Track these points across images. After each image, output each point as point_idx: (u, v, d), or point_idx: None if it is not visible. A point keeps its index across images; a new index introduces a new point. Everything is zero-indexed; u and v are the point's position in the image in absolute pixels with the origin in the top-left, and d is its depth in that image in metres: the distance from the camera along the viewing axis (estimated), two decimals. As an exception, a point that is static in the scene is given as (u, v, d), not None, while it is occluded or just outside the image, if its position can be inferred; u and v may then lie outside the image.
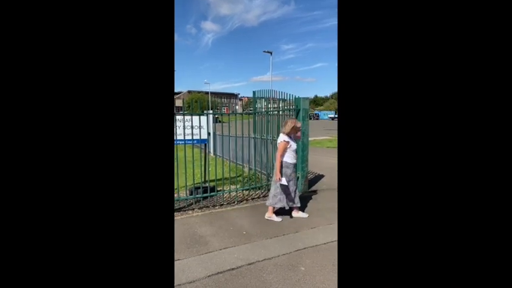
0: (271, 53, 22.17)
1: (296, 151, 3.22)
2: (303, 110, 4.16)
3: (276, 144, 4.28)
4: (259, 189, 4.18)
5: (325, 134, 13.72)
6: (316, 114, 39.60)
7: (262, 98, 4.59)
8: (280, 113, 4.31)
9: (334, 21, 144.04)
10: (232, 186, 4.07)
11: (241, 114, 4.10)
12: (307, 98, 4.28)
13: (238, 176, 4.48)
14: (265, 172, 4.41)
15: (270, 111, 4.45)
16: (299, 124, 3.23)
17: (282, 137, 3.14)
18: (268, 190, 4.18)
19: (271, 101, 4.46)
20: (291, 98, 4.23)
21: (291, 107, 4.21)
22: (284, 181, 3.04)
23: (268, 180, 4.30)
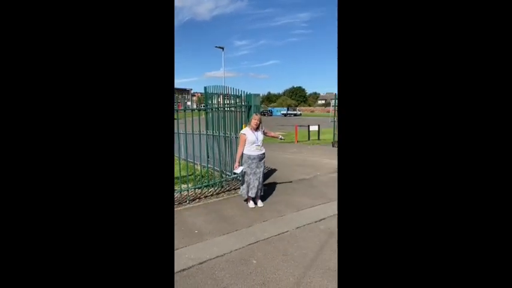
0: (222, 49, 21.90)
1: (258, 144, 3.33)
2: (254, 106, 4.23)
3: (229, 140, 4.27)
4: (212, 186, 4.12)
5: (278, 130, 14.17)
6: (269, 110, 40.49)
7: (215, 94, 4.52)
8: (232, 109, 4.30)
9: (285, 20, 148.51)
10: (184, 185, 3.94)
11: (191, 110, 3.96)
12: (258, 95, 4.36)
13: (190, 175, 4.34)
14: (218, 169, 4.36)
15: (222, 107, 4.41)
16: (253, 118, 3.40)
17: (242, 130, 3.40)
18: (222, 187, 4.16)
19: (224, 97, 4.42)
20: (243, 95, 4.25)
21: (242, 103, 4.23)
22: (238, 170, 3.28)
23: (221, 177, 4.27)
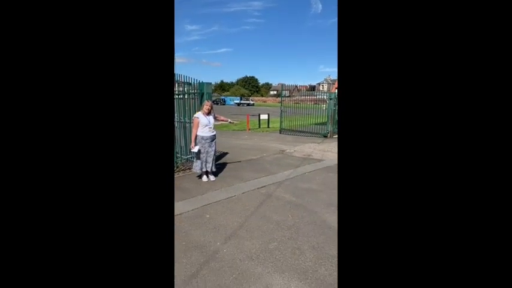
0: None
1: (210, 126, 3.85)
2: (207, 94, 4.70)
3: (183, 125, 4.68)
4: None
5: (231, 118, 14.65)
6: (222, 99, 40.37)
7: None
8: (186, 96, 4.69)
9: (238, 7, 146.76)
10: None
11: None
12: (210, 83, 4.83)
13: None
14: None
15: (175, 94, 4.75)
16: (205, 104, 3.90)
17: (196, 114, 3.88)
18: (177, 167, 4.58)
19: (178, 85, 4.76)
20: (195, 83, 4.66)
21: (195, 91, 4.65)
22: (195, 149, 3.80)
23: (176, 157, 4.68)
